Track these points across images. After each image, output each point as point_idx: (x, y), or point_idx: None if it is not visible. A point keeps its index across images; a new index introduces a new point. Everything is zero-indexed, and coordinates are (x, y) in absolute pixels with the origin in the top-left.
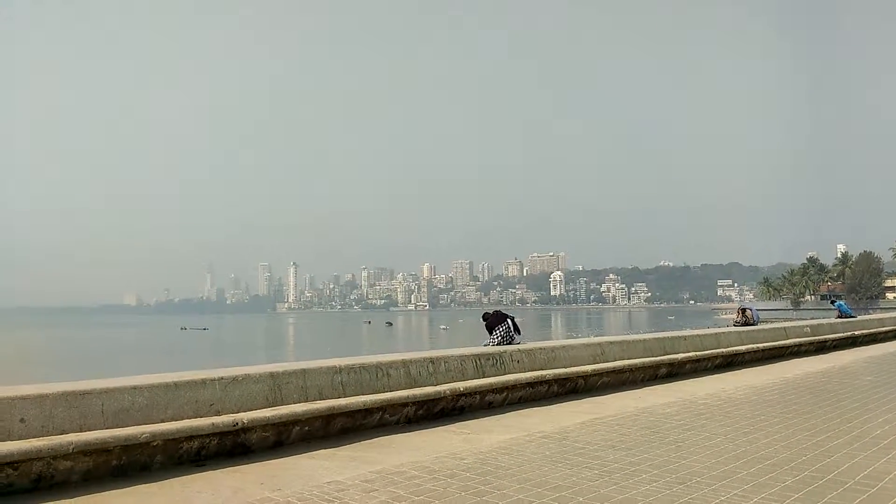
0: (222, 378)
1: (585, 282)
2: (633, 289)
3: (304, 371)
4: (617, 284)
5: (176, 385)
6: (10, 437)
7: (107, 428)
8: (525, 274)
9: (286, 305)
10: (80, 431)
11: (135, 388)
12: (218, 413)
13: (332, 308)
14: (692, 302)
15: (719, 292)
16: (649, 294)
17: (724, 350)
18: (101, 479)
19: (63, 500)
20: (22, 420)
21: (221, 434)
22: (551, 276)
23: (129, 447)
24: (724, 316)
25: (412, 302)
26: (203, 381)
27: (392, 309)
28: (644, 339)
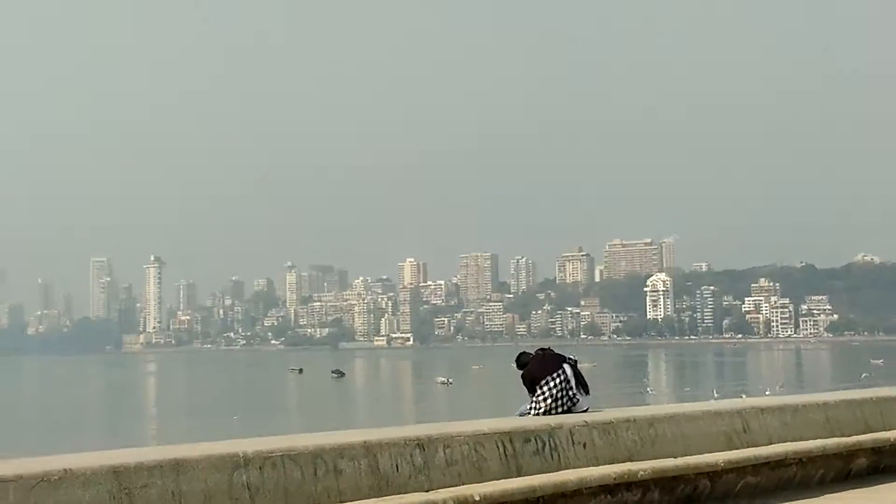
0: (21, 478)
1: (713, 294)
2: (805, 306)
3: (177, 464)
4: (774, 298)
5: None
6: None
7: None
8: (599, 278)
9: (142, 338)
10: None
11: None
12: None
13: (229, 343)
14: None
15: None
16: (835, 317)
17: None
18: None
19: None
20: None
21: None
22: (649, 281)
23: None
24: None
25: (382, 332)
26: None
27: (344, 345)
28: (825, 403)
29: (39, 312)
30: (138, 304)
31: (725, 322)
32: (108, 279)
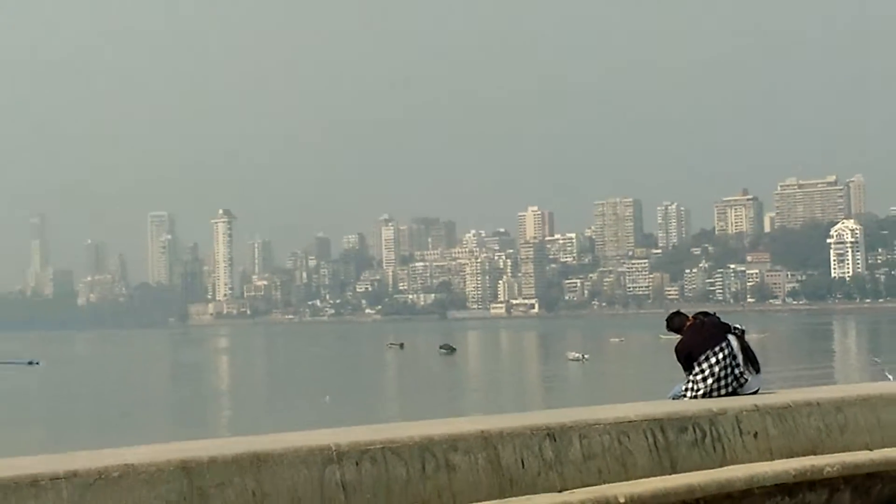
0: (76, 475)
1: None
2: None
3: (257, 459)
4: None
5: None
6: None
7: None
8: (769, 228)
9: (212, 307)
10: None
11: None
12: None
13: (315, 312)
14: None
15: None
16: None
17: None
18: None
19: None
20: None
21: None
22: (832, 230)
23: None
24: None
25: (501, 297)
26: (34, 483)
27: (454, 314)
28: None
29: (90, 278)
30: (206, 268)
31: None
32: (170, 237)
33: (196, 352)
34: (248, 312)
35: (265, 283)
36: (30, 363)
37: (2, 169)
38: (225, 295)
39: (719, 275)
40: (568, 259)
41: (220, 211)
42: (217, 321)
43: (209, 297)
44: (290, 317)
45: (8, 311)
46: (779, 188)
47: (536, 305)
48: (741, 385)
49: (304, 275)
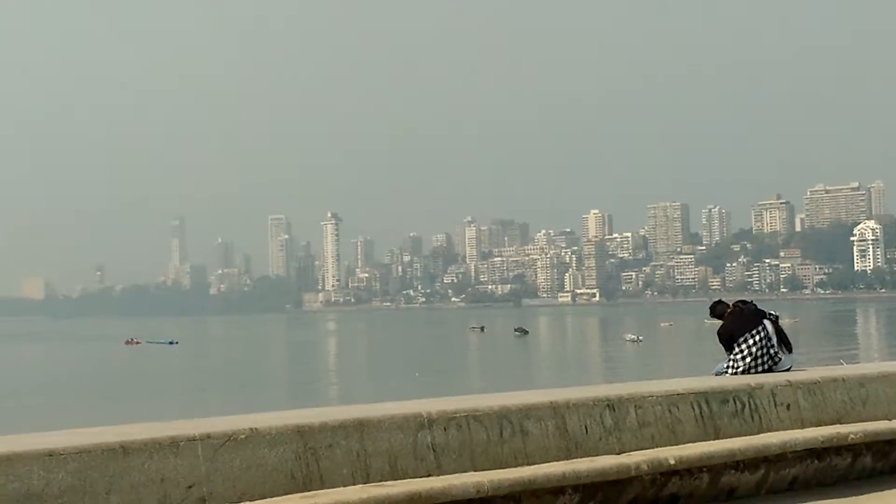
0: (209, 437)
1: None
2: None
3: (361, 424)
4: None
5: (125, 450)
6: None
7: None
8: (799, 228)
9: (321, 297)
10: None
11: (51, 455)
12: (203, 502)
13: (408, 301)
14: None
15: None
16: None
17: None
18: None
19: None
20: None
21: None
22: (856, 230)
23: None
24: None
25: (566, 287)
26: (174, 444)
27: (527, 302)
28: None
29: (220, 272)
30: (316, 262)
31: None
32: (287, 237)
33: (308, 333)
34: (352, 301)
35: (366, 275)
36: (170, 343)
37: (146, 179)
38: (332, 286)
39: (756, 268)
40: (625, 255)
41: (329, 214)
42: (326, 308)
43: (319, 287)
44: (388, 304)
45: (152, 300)
46: (808, 193)
47: (597, 294)
48: (776, 363)
49: (400, 268)
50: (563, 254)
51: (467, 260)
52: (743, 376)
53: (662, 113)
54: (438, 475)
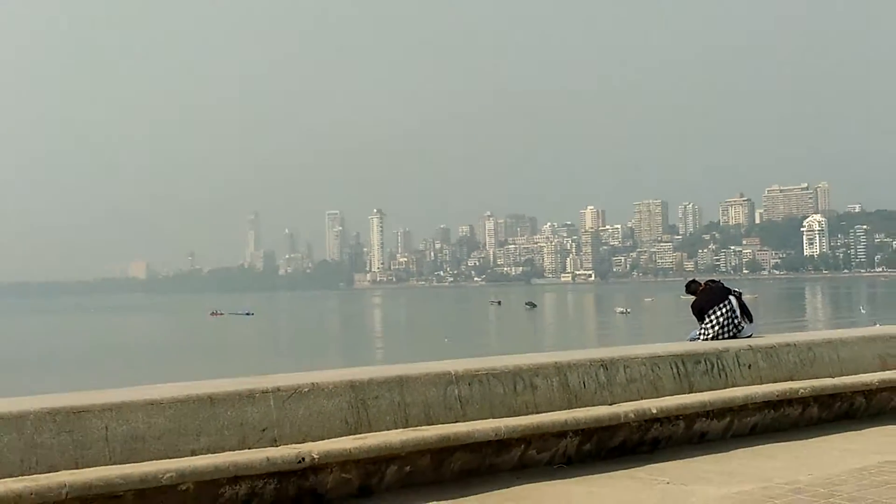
0: (279, 389)
1: (866, 232)
2: None
3: (401, 380)
4: None
5: (211, 400)
6: None
7: (114, 463)
8: (758, 220)
9: (369, 277)
10: (77, 468)
11: (152, 403)
12: (274, 442)
13: (439, 280)
14: None
15: None
16: None
17: None
18: None
19: None
20: None
21: (281, 474)
22: (804, 222)
23: (146, 492)
24: None
25: (568, 269)
26: (251, 395)
27: (535, 281)
28: None
29: (287, 256)
30: (364, 249)
31: (878, 257)
32: (341, 229)
33: (357, 307)
34: (393, 280)
35: (405, 259)
36: (247, 314)
37: (229, 179)
38: (377, 268)
39: (723, 254)
40: (615, 243)
41: (375, 210)
42: (372, 286)
43: (367, 269)
44: (422, 283)
45: (232, 280)
46: (766, 192)
47: (593, 275)
48: (739, 331)
49: (432, 254)
50: (564, 242)
51: (487, 247)
52: (712, 342)
53: (647, 122)
54: (464, 421)
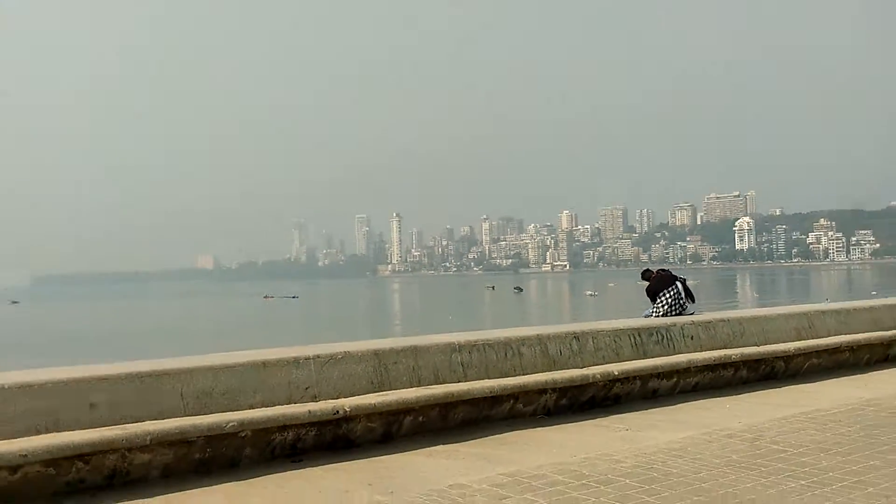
0: (318, 356)
1: (785, 230)
2: (855, 239)
3: (415, 349)
4: (830, 233)
5: (264, 364)
6: (79, 426)
7: (187, 415)
8: (700, 222)
9: (389, 267)
10: (158, 419)
11: (217, 367)
12: (315, 398)
13: (445, 270)
14: None
15: None
16: (878, 245)
17: None
18: (183, 474)
19: (140, 499)
20: (92, 405)
21: (320, 424)
22: (736, 223)
23: (213, 438)
24: None
25: (547, 261)
26: (296, 360)
27: (522, 270)
28: (871, 307)
29: (325, 251)
30: (386, 245)
31: (794, 251)
32: (367, 229)
33: (381, 292)
34: (409, 270)
35: (418, 254)
36: (293, 297)
37: (279, 191)
38: (396, 260)
39: (671, 248)
40: (585, 240)
41: (395, 213)
42: (392, 275)
43: (388, 262)
44: (432, 272)
45: (281, 270)
46: (705, 199)
47: (568, 266)
48: (684, 310)
49: (440, 249)
50: (545, 239)
51: (483, 243)
52: (662, 318)
53: (609, 143)
54: (465, 382)
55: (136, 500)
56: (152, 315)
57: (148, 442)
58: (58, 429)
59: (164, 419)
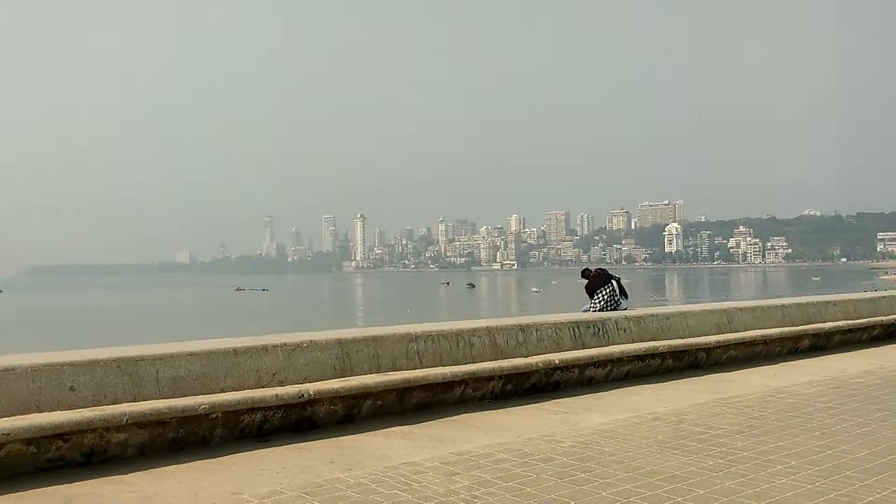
0: (286, 344)
1: (709, 236)
2: (770, 244)
3: (375, 338)
4: (748, 239)
5: (235, 352)
6: (59, 407)
7: (162, 398)
8: (633, 227)
9: (353, 264)
10: (134, 401)
11: (191, 354)
12: (281, 383)
13: (404, 267)
14: (844, 260)
15: (880, 248)
16: (789, 250)
17: (884, 318)
18: (158, 453)
19: (117, 475)
20: (72, 388)
21: (286, 406)
22: (666, 228)
23: (186, 419)
24: (887, 277)
25: (497, 260)
26: (265, 348)
27: (474, 268)
28: (782, 305)
29: (294, 248)
30: (351, 243)
31: (716, 254)
32: (333, 229)
33: (345, 285)
34: (372, 266)
35: (380, 251)
36: (263, 289)
37: (252, 190)
38: (360, 257)
39: (608, 250)
40: (532, 241)
41: (359, 214)
42: (356, 271)
43: (352, 258)
44: (393, 269)
45: (253, 264)
46: (639, 206)
47: (516, 264)
48: (618, 305)
49: (400, 247)
50: (495, 240)
51: (440, 243)
52: (599, 313)
53: (557, 154)
54: (421, 368)
55: (112, 476)
56: (131, 304)
57: (125, 422)
58: (39, 410)
59: (140, 401)
